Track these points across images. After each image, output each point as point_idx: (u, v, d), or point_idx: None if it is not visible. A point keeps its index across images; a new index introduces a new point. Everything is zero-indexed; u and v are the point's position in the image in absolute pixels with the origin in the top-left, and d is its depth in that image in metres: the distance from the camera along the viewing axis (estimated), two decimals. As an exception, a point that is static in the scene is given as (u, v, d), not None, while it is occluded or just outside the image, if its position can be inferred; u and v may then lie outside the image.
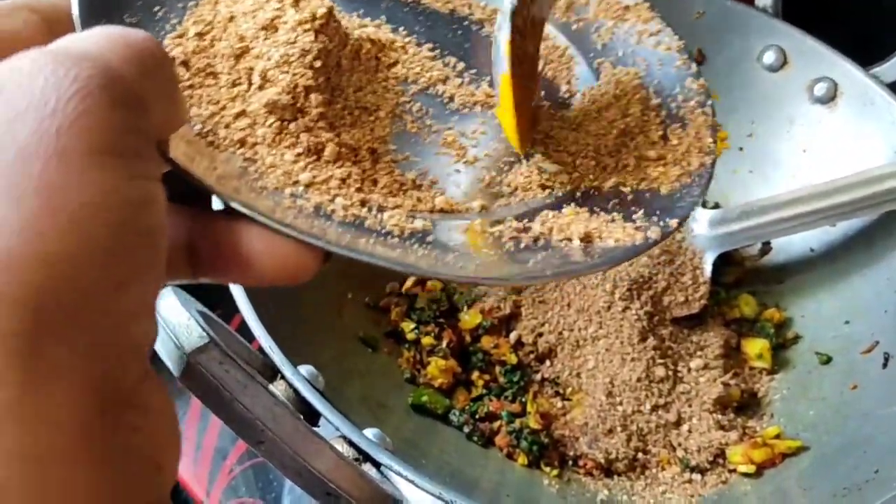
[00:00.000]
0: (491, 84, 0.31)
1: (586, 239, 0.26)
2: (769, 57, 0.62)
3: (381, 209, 0.25)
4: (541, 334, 0.55)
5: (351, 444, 0.38)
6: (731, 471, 0.50)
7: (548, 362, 0.55)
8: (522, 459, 0.50)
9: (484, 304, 0.56)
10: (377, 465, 0.38)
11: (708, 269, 0.58)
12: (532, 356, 0.55)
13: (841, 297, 0.57)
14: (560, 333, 0.55)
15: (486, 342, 0.55)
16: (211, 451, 0.61)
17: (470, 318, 0.55)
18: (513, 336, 0.55)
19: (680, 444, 0.51)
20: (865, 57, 0.60)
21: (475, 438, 0.51)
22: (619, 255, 0.26)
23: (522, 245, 0.26)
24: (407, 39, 0.31)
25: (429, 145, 0.28)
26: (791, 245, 0.61)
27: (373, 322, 0.56)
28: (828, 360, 0.55)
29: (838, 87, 0.60)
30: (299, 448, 0.30)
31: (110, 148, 0.18)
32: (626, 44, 0.35)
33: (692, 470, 0.50)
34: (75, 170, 0.17)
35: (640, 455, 0.51)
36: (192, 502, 0.60)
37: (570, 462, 0.51)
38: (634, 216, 0.28)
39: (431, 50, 0.32)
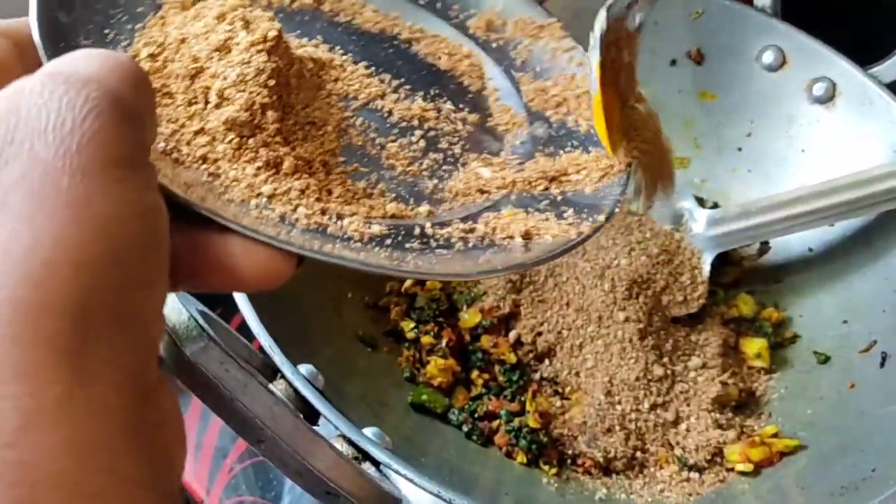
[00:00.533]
0: (424, 98, 0.34)
1: (526, 236, 0.29)
2: (768, 57, 0.62)
3: (339, 216, 0.26)
4: (540, 333, 0.55)
5: (350, 442, 0.38)
6: (728, 469, 0.51)
7: (547, 361, 0.55)
8: (521, 458, 0.51)
9: (483, 304, 0.56)
10: (376, 463, 0.38)
11: (706, 268, 0.58)
12: (531, 355, 0.55)
13: (839, 296, 0.58)
14: (559, 333, 0.55)
15: (486, 341, 0.55)
16: (211, 450, 0.62)
17: (469, 318, 0.56)
18: (512, 335, 0.55)
19: (678, 443, 0.51)
20: (864, 56, 0.60)
21: (474, 437, 0.51)
22: (556, 249, 0.29)
23: (471, 244, 0.28)
24: (344, 58, 0.33)
25: (374, 157, 0.31)
26: (789, 245, 0.61)
27: (372, 321, 0.56)
28: (826, 360, 0.55)
29: (837, 86, 0.60)
30: (299, 447, 0.30)
31: (124, 161, 0.19)
32: (542, 60, 0.38)
33: (690, 468, 0.51)
34: (98, 183, 0.18)
35: (638, 454, 0.51)
36: (193, 501, 0.60)
37: (569, 461, 0.52)
38: (565, 214, 0.31)
39: (367, 67, 0.34)
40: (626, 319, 0.54)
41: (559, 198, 0.32)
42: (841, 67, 0.60)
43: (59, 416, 0.17)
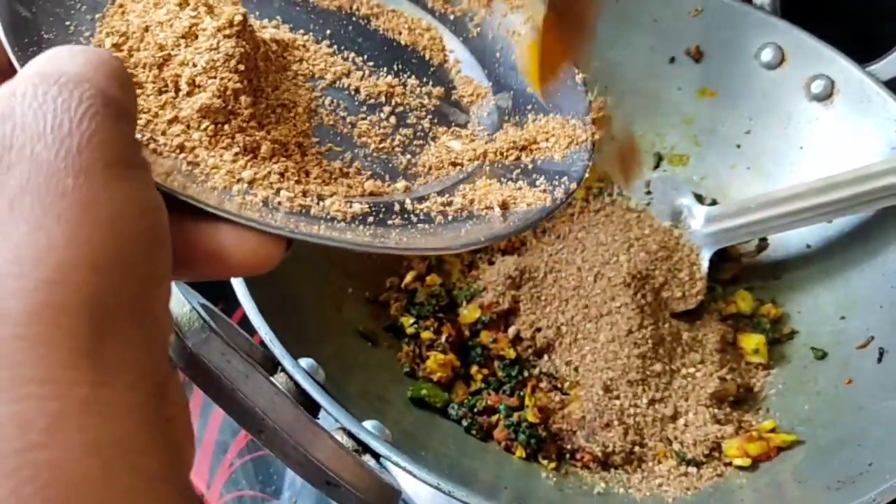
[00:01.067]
0: (389, 74, 0.34)
1: (503, 206, 0.29)
2: (767, 54, 0.62)
3: (320, 197, 0.27)
4: (539, 329, 0.55)
5: (350, 435, 0.38)
6: (726, 464, 0.51)
7: (546, 357, 0.55)
8: (520, 452, 0.51)
9: (483, 300, 0.56)
10: (376, 456, 0.38)
11: (705, 265, 0.58)
12: (530, 351, 0.55)
13: (837, 292, 0.58)
14: (558, 328, 0.55)
15: (485, 337, 0.55)
16: (211, 445, 0.62)
17: (469, 313, 0.56)
18: (511, 331, 0.56)
19: (676, 438, 0.52)
20: (863, 54, 0.60)
21: (474, 432, 0.52)
22: (533, 216, 0.29)
23: (450, 217, 0.28)
24: (305, 38, 0.34)
25: (346, 135, 0.31)
26: (788, 241, 0.61)
27: (372, 316, 0.57)
28: (823, 355, 0.55)
29: (835, 84, 0.60)
30: (299, 437, 0.30)
31: (124, 159, 0.20)
32: (495, 26, 0.38)
33: (688, 463, 0.51)
34: (101, 182, 0.19)
35: (636, 448, 0.51)
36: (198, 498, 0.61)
37: (568, 455, 0.52)
38: (538, 182, 0.31)
39: (329, 46, 0.34)
40: (625, 315, 0.54)
41: (530, 166, 0.32)
42: (839, 65, 0.60)
43: (85, 417, 0.17)
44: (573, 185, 0.31)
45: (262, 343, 0.41)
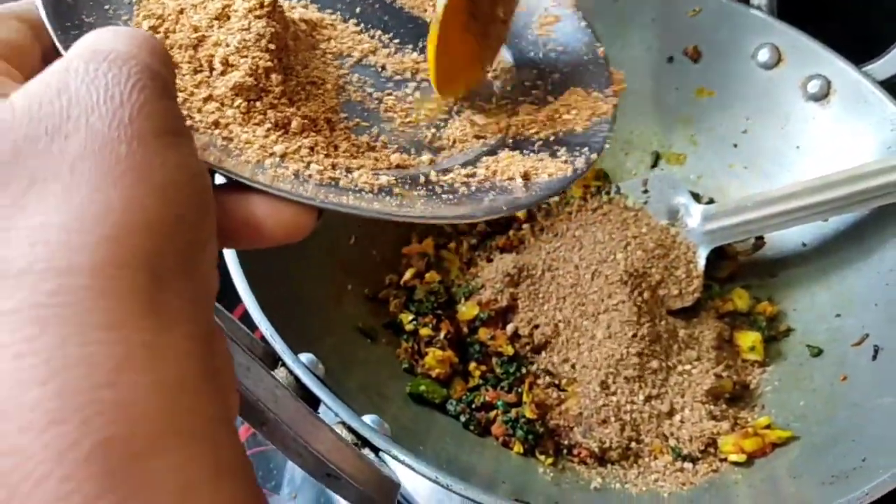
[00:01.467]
0: (415, 51, 0.35)
1: (525, 177, 0.30)
2: (764, 54, 0.63)
3: (348, 170, 0.28)
4: (537, 326, 0.56)
5: (350, 429, 0.39)
6: (722, 460, 0.51)
7: (543, 353, 0.56)
8: (518, 448, 0.51)
9: (481, 297, 0.56)
10: (376, 450, 0.38)
11: (701, 262, 0.59)
12: (528, 347, 0.56)
13: (832, 290, 0.58)
14: (556, 325, 0.55)
15: (483, 334, 0.56)
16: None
17: (467, 310, 0.56)
18: (509, 328, 0.56)
19: (672, 434, 0.52)
20: (859, 55, 0.60)
21: (472, 427, 0.52)
22: (555, 185, 0.30)
23: (474, 188, 0.29)
24: (333, 17, 0.35)
25: (373, 111, 0.32)
26: (784, 240, 0.62)
27: (372, 313, 0.57)
28: (819, 353, 0.56)
29: (831, 84, 0.61)
30: (300, 429, 0.30)
31: (172, 129, 0.21)
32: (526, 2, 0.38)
33: (684, 459, 0.51)
34: (153, 150, 0.20)
35: (633, 444, 0.52)
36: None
37: (565, 451, 0.52)
38: (559, 153, 0.32)
39: (356, 25, 0.35)
40: (622, 313, 0.54)
41: (552, 138, 0.33)
42: (836, 65, 0.60)
43: (147, 361, 0.18)
44: (594, 156, 0.32)
45: (262, 338, 0.42)
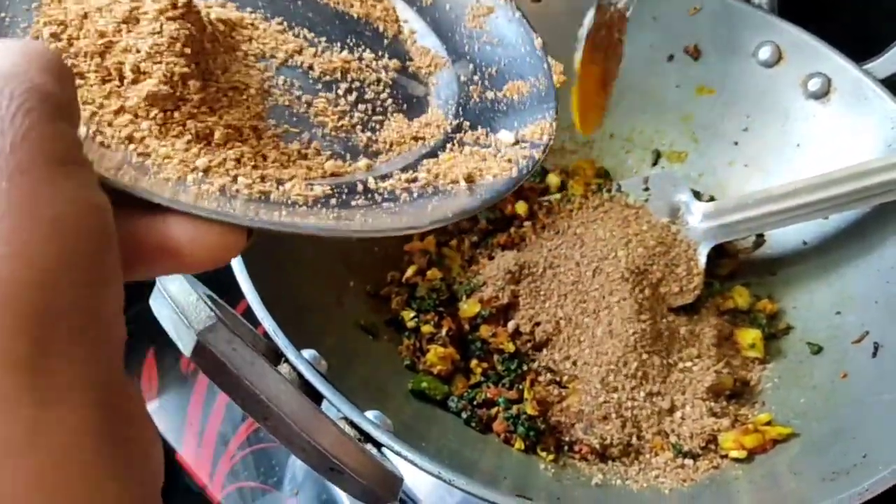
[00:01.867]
0: (343, 49, 0.33)
1: (469, 179, 0.29)
2: (764, 52, 0.63)
3: (279, 182, 0.26)
4: (538, 323, 0.56)
5: (352, 425, 0.39)
6: (722, 456, 0.51)
7: (545, 351, 0.56)
8: (519, 444, 0.51)
9: (483, 294, 0.57)
10: (378, 445, 0.39)
11: (702, 260, 0.59)
12: (529, 345, 0.56)
13: (833, 288, 0.58)
14: (557, 323, 0.56)
15: (485, 331, 0.56)
16: (214, 437, 0.62)
17: (469, 308, 0.57)
18: (511, 325, 0.56)
19: (673, 431, 0.52)
20: (859, 53, 0.60)
21: (473, 424, 0.52)
22: (501, 187, 0.29)
23: (416, 194, 0.28)
24: (254, 16, 0.32)
25: (302, 115, 0.30)
26: (784, 237, 0.62)
27: (374, 310, 0.57)
28: (819, 350, 0.56)
29: (832, 82, 0.61)
30: (304, 424, 0.31)
31: (64, 158, 0.18)
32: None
33: (685, 455, 0.51)
34: (40, 182, 0.17)
35: (634, 441, 0.52)
36: (195, 486, 0.61)
37: (566, 447, 0.52)
38: (502, 152, 0.30)
39: (279, 23, 0.33)
40: (623, 310, 0.54)
41: (494, 134, 0.32)
42: (836, 63, 0.60)
43: (30, 445, 0.16)
44: (538, 155, 0.31)
45: (265, 335, 0.42)
